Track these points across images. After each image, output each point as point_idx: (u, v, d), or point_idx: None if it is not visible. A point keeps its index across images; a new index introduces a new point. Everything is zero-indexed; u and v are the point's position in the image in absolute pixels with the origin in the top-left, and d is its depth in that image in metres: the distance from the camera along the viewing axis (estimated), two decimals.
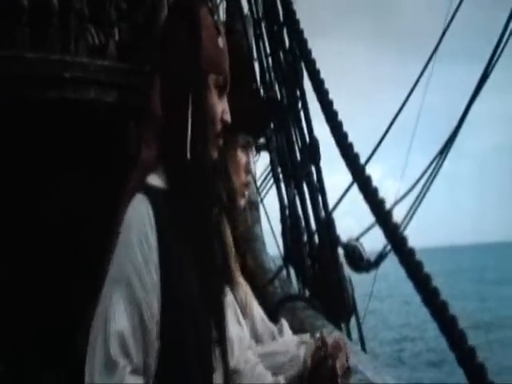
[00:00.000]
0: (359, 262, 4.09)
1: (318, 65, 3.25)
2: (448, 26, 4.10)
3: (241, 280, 2.53)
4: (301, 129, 3.64)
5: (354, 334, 4.24)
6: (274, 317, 2.60)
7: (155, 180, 1.63)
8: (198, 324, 1.62)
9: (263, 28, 3.91)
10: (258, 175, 6.46)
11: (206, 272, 1.67)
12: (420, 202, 4.22)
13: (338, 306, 4.00)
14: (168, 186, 1.63)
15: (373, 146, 4.57)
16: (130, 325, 1.49)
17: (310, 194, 3.76)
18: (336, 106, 3.01)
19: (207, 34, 1.66)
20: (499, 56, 3.68)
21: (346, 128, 2.96)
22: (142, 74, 3.96)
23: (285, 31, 3.66)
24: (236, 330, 2.10)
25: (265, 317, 2.49)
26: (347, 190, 3.32)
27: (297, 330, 2.60)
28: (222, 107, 1.71)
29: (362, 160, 3.97)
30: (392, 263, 3.21)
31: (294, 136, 3.75)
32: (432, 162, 4.00)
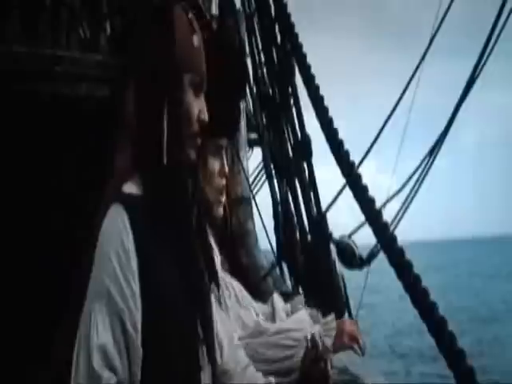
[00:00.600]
0: (351, 259, 4.09)
1: (309, 59, 3.24)
2: (441, 22, 4.07)
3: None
4: (292, 125, 3.62)
5: None
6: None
7: (132, 188, 1.61)
8: (182, 324, 1.62)
9: (255, 23, 3.89)
10: (251, 171, 6.46)
11: (189, 274, 1.67)
12: (411, 200, 4.22)
13: (330, 302, 3.99)
14: (144, 192, 1.61)
15: (365, 139, 4.56)
16: (112, 337, 1.49)
17: (301, 190, 3.74)
18: (326, 101, 2.99)
19: (181, 34, 1.64)
20: (488, 56, 3.66)
21: (336, 122, 2.96)
22: None
23: (277, 27, 3.64)
24: (226, 328, 2.10)
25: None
26: (341, 190, 3.30)
27: None
28: (198, 106, 1.68)
29: (356, 158, 3.98)
30: None
31: (285, 132, 3.73)
32: (423, 161, 3.99)
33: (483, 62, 3.92)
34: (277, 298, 2.78)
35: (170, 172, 1.59)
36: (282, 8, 3.47)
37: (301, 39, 3.34)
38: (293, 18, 3.48)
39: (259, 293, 3.78)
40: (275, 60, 3.66)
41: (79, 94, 4.05)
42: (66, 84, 4.02)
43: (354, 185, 2.37)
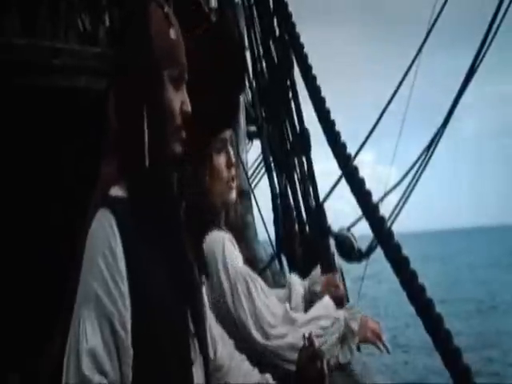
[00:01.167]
0: (350, 251, 4.09)
1: (308, 50, 3.22)
2: (441, 10, 4.06)
3: None
4: (291, 118, 3.61)
5: None
6: None
7: (118, 191, 1.62)
8: (173, 322, 1.63)
9: (255, 15, 3.87)
10: (250, 163, 6.46)
11: (179, 269, 1.68)
12: (410, 193, 4.22)
13: None
14: (130, 194, 1.62)
15: (362, 129, 4.56)
16: (101, 339, 1.50)
17: (300, 183, 3.74)
18: (325, 90, 2.98)
19: (157, 29, 1.63)
20: (488, 47, 3.64)
21: (335, 112, 2.95)
22: None
23: (275, 21, 3.63)
24: (218, 327, 2.12)
25: None
26: (337, 183, 3.31)
27: None
28: (180, 99, 1.68)
29: (353, 148, 3.97)
30: None
31: (284, 125, 3.73)
32: (421, 154, 3.99)
33: (483, 52, 3.91)
34: (294, 279, 2.82)
35: (154, 171, 1.60)
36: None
37: (299, 31, 3.32)
38: (291, 9, 3.46)
39: None
40: (273, 52, 3.65)
41: (78, 86, 4.03)
42: (65, 77, 4.01)
43: (351, 178, 2.36)
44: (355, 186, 2.39)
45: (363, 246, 4.18)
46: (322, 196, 3.87)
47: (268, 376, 2.08)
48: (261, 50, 3.80)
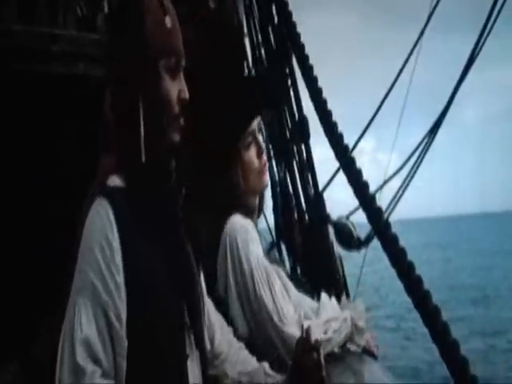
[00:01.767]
0: (349, 240, 4.09)
1: (308, 37, 3.19)
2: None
3: None
4: (290, 106, 3.60)
5: None
6: None
7: (116, 181, 1.62)
8: (169, 314, 1.63)
9: (253, 2, 3.84)
10: None
11: (177, 260, 1.68)
12: (411, 179, 4.21)
13: (328, 283, 3.99)
14: (127, 184, 1.61)
15: (363, 117, 4.54)
16: (95, 330, 1.51)
17: (299, 171, 3.73)
18: (326, 78, 2.96)
19: (152, 19, 1.62)
20: (489, 33, 3.61)
21: (335, 99, 2.93)
22: None
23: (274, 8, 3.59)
24: (218, 314, 2.13)
25: None
26: (335, 174, 3.29)
27: None
28: (178, 87, 1.68)
29: (354, 136, 3.96)
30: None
31: (284, 113, 3.71)
32: (423, 140, 3.97)
33: (484, 37, 3.89)
34: (329, 301, 2.79)
35: (151, 162, 1.59)
36: None
37: (298, 18, 3.29)
38: None
39: None
40: (272, 40, 3.62)
41: (76, 73, 4.01)
42: (63, 63, 3.99)
43: (348, 169, 2.35)
44: (352, 178, 2.38)
45: (362, 234, 4.19)
46: (321, 183, 3.87)
47: (265, 364, 2.08)
48: (260, 38, 3.77)
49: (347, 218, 4.09)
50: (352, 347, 2.57)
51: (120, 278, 1.53)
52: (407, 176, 4.48)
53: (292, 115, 3.59)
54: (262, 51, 3.73)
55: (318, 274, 3.89)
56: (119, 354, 1.52)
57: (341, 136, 2.50)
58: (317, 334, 2.07)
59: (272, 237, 4.50)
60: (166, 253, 1.64)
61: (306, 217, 3.91)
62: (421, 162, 4.39)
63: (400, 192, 4.48)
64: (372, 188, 2.37)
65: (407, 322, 20.54)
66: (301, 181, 3.75)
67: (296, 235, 4.13)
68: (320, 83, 2.86)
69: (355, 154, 2.66)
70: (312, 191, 3.68)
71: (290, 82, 3.54)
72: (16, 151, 3.91)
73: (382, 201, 4.19)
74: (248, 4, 3.93)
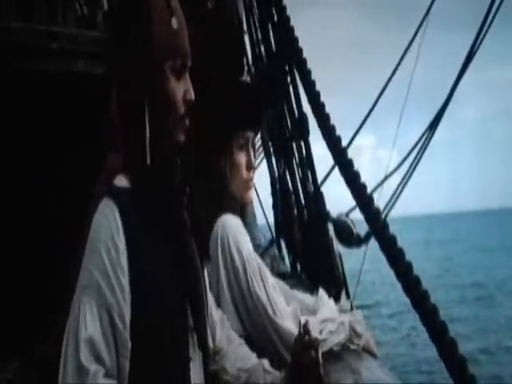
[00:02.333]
0: (349, 237, 4.08)
1: (308, 37, 3.20)
2: None
3: None
4: (289, 103, 3.60)
5: None
6: None
7: (122, 181, 1.62)
8: (172, 317, 1.63)
9: (253, 0, 3.84)
10: None
11: (181, 260, 1.68)
12: (410, 176, 4.20)
13: (328, 280, 3.99)
14: (133, 184, 1.61)
15: (364, 114, 4.54)
16: (100, 329, 1.50)
17: (299, 168, 3.73)
18: (326, 78, 2.97)
19: (158, 20, 1.61)
20: (487, 30, 3.61)
21: (334, 97, 2.94)
22: None
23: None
24: (219, 311, 2.13)
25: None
26: (330, 172, 3.30)
27: None
28: (183, 88, 1.67)
29: (351, 133, 3.95)
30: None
31: (283, 110, 3.71)
32: (422, 136, 3.97)
33: (483, 35, 3.88)
34: (328, 301, 2.80)
35: (157, 162, 1.59)
36: None
37: (298, 14, 3.29)
38: None
39: None
40: (271, 38, 3.62)
41: (76, 71, 4.00)
42: (63, 61, 3.98)
43: (346, 171, 2.35)
44: (350, 180, 2.39)
45: (362, 231, 4.18)
46: (320, 180, 3.87)
47: (265, 361, 2.08)
48: (259, 35, 3.76)
49: (347, 215, 4.08)
50: (351, 346, 2.57)
51: (125, 280, 1.52)
52: (406, 172, 4.48)
53: (292, 112, 3.59)
54: (262, 48, 3.73)
55: (317, 270, 3.89)
56: (122, 355, 1.52)
57: (339, 139, 2.50)
58: (313, 333, 2.08)
59: (272, 233, 4.50)
60: (170, 253, 1.64)
61: (306, 213, 3.92)
62: (420, 158, 4.38)
63: (399, 189, 4.47)
64: (372, 185, 2.38)
65: (408, 321, 20.53)
66: (300, 178, 3.76)
67: (296, 232, 4.13)
68: (319, 84, 2.87)
69: (355, 151, 2.67)
70: (312, 188, 3.68)
71: (289, 79, 3.54)
72: (15, 149, 3.90)
73: (383, 198, 4.19)
74: (248, 2, 3.93)
